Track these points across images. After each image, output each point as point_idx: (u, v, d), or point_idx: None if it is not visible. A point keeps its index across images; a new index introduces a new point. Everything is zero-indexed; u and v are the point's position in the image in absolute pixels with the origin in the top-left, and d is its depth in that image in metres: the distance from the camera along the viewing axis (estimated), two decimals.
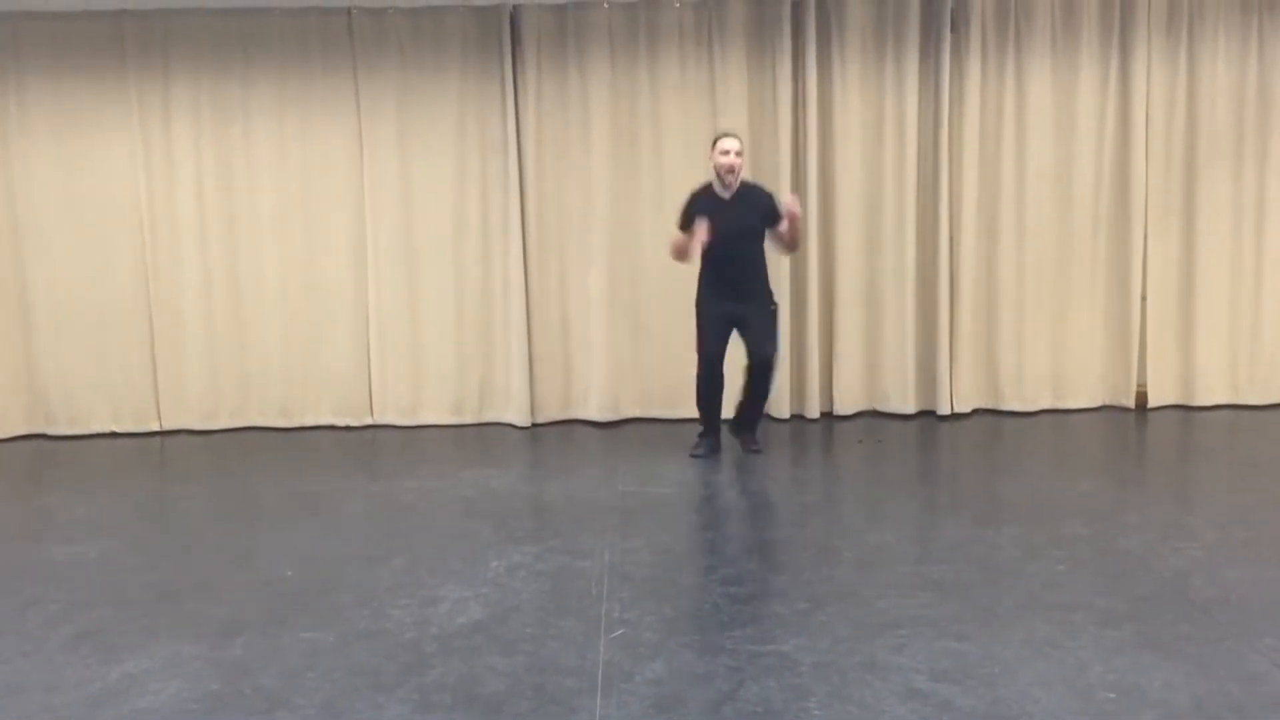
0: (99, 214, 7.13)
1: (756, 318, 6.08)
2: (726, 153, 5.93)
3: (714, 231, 5.84)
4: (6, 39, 6.97)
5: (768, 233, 6.08)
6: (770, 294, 6.20)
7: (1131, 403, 7.34)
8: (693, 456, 6.26)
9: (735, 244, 5.94)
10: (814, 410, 7.28)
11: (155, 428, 7.30)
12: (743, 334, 6.11)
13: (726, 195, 5.98)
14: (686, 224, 6.00)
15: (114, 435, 7.28)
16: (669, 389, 7.30)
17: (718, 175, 5.98)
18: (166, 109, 7.09)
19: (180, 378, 7.27)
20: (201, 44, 7.04)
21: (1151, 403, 7.36)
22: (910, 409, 7.30)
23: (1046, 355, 7.32)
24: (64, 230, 7.12)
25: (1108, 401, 7.39)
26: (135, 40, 7.02)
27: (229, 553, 4.90)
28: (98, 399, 7.26)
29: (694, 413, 7.24)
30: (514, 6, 7.04)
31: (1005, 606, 4.02)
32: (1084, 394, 7.35)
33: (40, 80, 7.03)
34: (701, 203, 5.99)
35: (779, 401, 7.23)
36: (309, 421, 7.33)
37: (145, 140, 7.09)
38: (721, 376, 6.16)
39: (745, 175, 6.18)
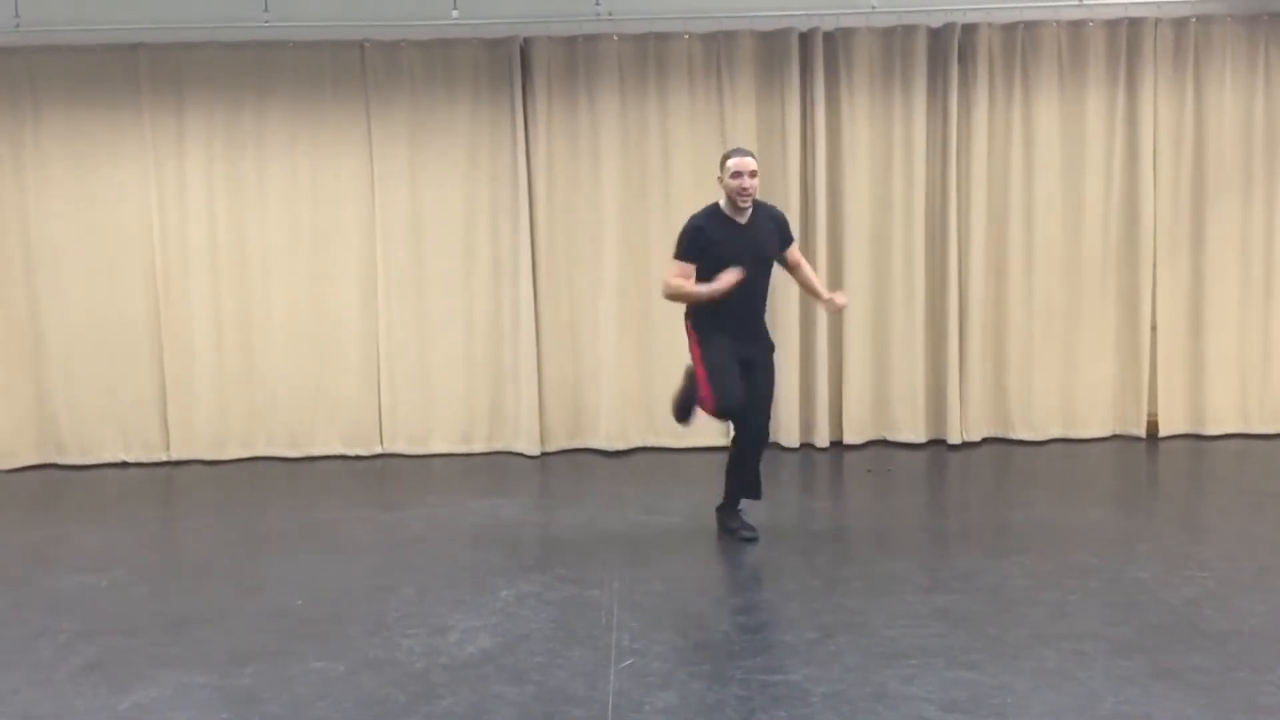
0: (111, 245, 7.18)
1: (759, 370, 5.18)
2: (739, 175, 4.99)
3: (730, 261, 4.98)
4: (22, 72, 7.05)
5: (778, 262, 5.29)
6: (769, 338, 5.34)
7: (1142, 432, 7.32)
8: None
9: (752, 275, 5.02)
10: (823, 439, 7.27)
11: (165, 457, 7.31)
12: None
13: (742, 220, 5.09)
14: (689, 255, 5.07)
15: (124, 465, 7.30)
16: None
17: (730, 199, 5.07)
18: (180, 141, 7.15)
19: (190, 408, 7.28)
20: (215, 76, 7.11)
21: (1162, 432, 7.35)
22: (920, 438, 7.29)
23: (1056, 385, 7.32)
24: (76, 261, 7.16)
25: (1118, 431, 7.37)
26: (150, 73, 7.09)
27: (238, 582, 4.90)
28: (108, 429, 7.28)
29: (702, 440, 7.29)
30: (524, 38, 7.10)
31: (1016, 636, 4.00)
32: (1094, 423, 7.33)
33: (56, 113, 7.10)
34: (715, 230, 5.06)
35: (788, 430, 7.24)
36: (318, 451, 7.34)
37: (158, 172, 7.15)
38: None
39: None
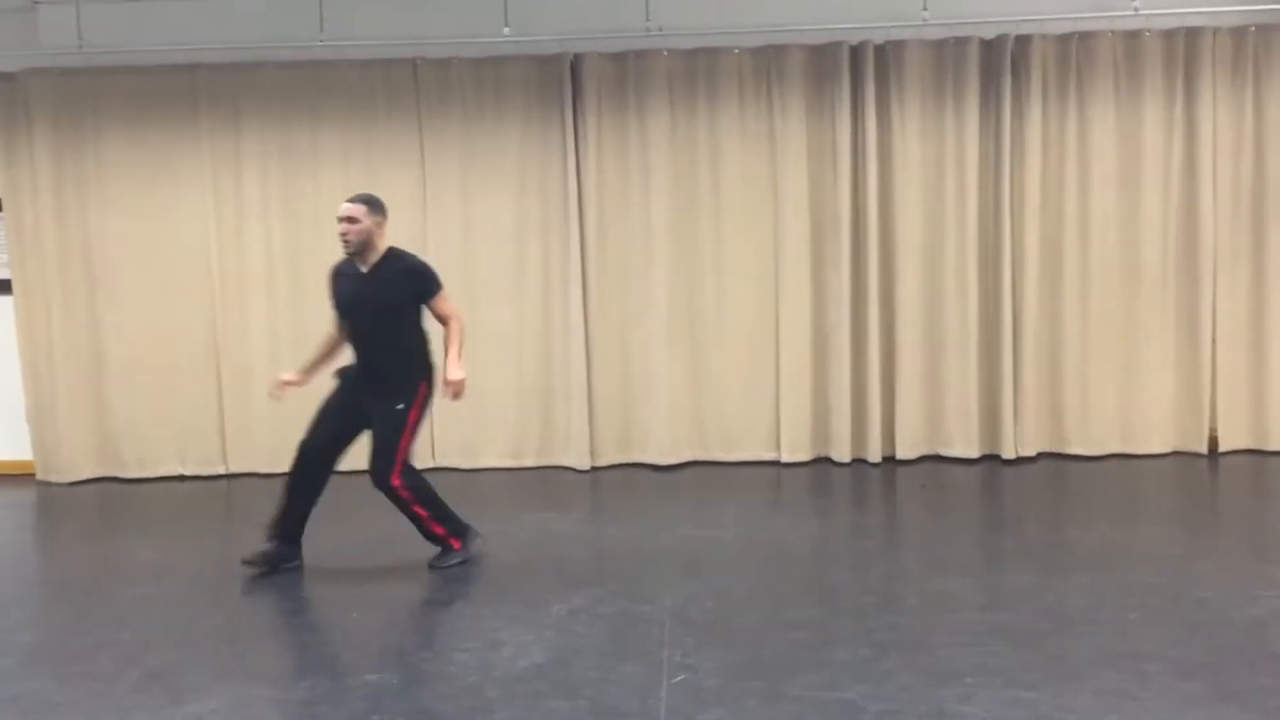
0: (170, 262, 7.29)
1: (377, 423, 5.12)
2: (340, 220, 5.05)
3: (347, 309, 5.15)
4: (86, 93, 7.20)
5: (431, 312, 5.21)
6: (404, 391, 5.11)
7: (1203, 447, 7.19)
8: (242, 562, 5.19)
9: (368, 325, 5.11)
10: (875, 455, 7.21)
11: (222, 471, 7.41)
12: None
13: (364, 268, 5.12)
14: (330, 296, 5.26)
15: (182, 478, 7.40)
16: (728, 432, 7.30)
17: None
18: (237, 159, 7.26)
19: (246, 422, 7.37)
20: (271, 96, 7.21)
21: (1223, 447, 7.20)
22: (974, 453, 7.20)
23: (1114, 399, 7.20)
24: (136, 278, 7.29)
25: (1178, 446, 7.23)
26: (208, 92, 7.21)
27: (293, 595, 4.95)
28: (166, 443, 7.39)
29: (753, 454, 7.29)
30: (575, 55, 7.14)
31: (1076, 656, 3.94)
32: (1154, 439, 7.20)
33: (117, 132, 7.23)
34: (342, 276, 5.19)
35: (840, 445, 7.19)
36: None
37: (216, 190, 7.26)
38: (313, 474, 5.23)
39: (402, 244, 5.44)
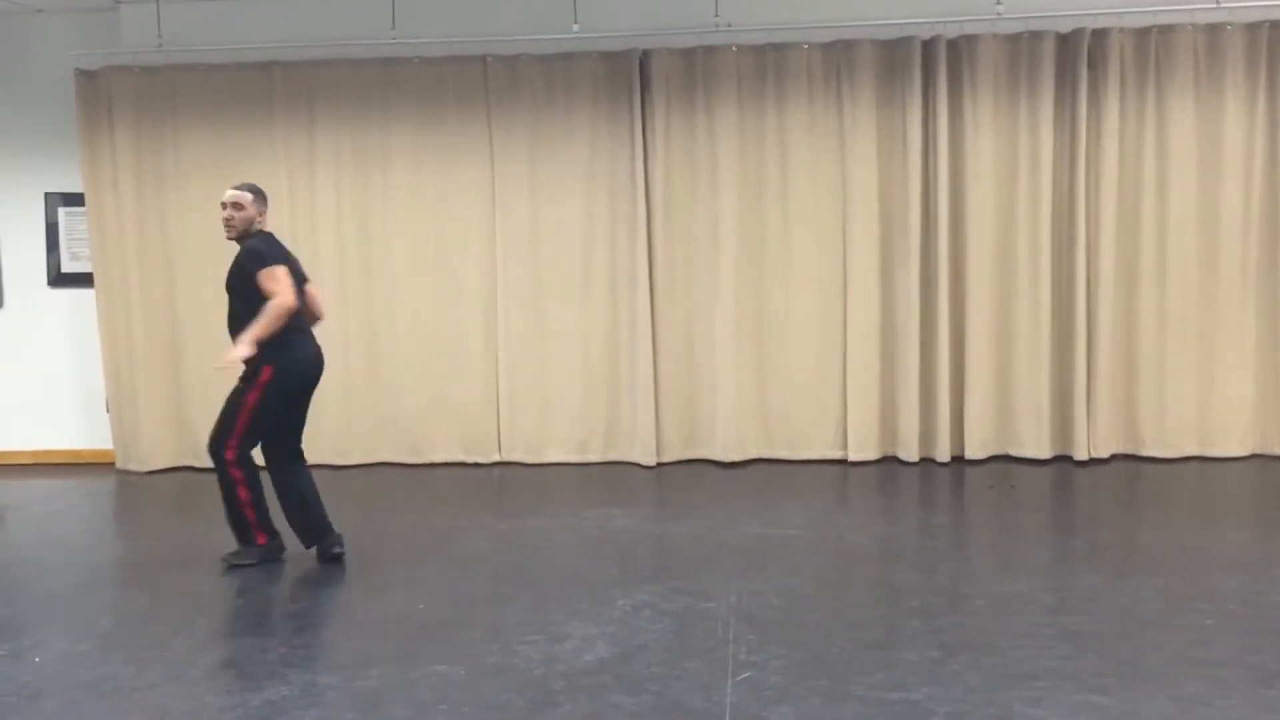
0: None
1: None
2: (224, 205, 5.29)
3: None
4: (165, 90, 7.36)
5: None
6: (253, 364, 5.23)
7: None
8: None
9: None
10: (944, 454, 7.12)
11: None
12: None
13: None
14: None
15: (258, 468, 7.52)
16: (795, 430, 7.26)
17: None
18: (310, 155, 7.37)
19: (317, 415, 7.38)
20: (344, 92, 7.32)
21: None
22: (1045, 454, 7.09)
23: (1191, 401, 7.05)
24: (212, 273, 7.34)
25: (1258, 449, 7.06)
26: (283, 90, 7.33)
27: (361, 586, 5.02)
28: None
29: (820, 452, 7.25)
30: (643, 51, 7.15)
31: (1149, 661, 3.86)
32: (1233, 441, 7.04)
33: (195, 129, 7.39)
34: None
35: (907, 445, 7.12)
36: (439, 458, 7.48)
37: (290, 186, 7.37)
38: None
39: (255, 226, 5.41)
